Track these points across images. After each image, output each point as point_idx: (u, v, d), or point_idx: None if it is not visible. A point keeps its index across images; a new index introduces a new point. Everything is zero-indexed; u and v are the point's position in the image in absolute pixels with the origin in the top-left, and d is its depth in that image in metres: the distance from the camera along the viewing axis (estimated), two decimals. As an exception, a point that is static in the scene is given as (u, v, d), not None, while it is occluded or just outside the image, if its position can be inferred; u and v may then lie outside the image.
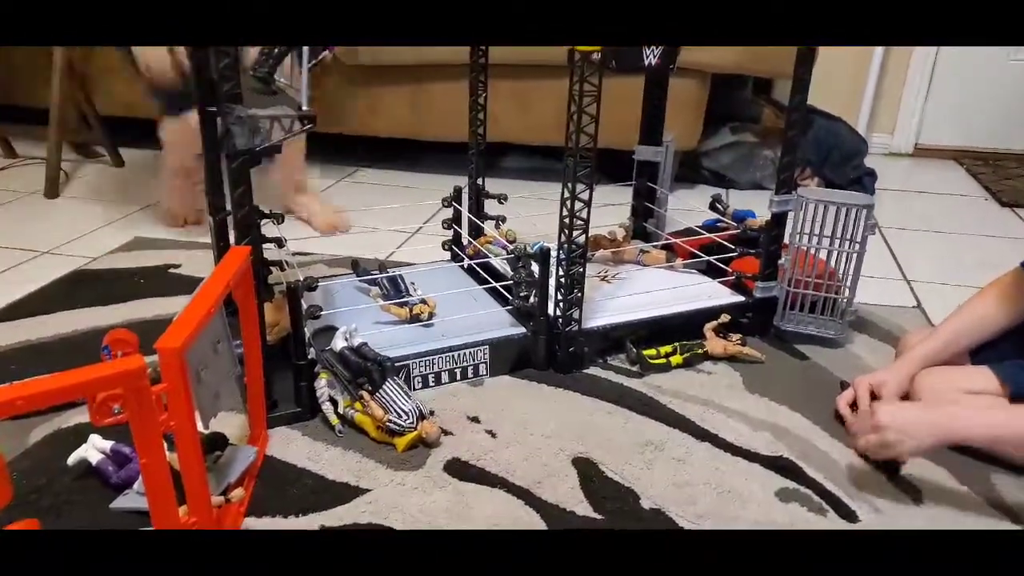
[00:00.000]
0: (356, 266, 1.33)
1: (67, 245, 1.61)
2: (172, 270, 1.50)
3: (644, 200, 1.56)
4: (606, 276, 1.40)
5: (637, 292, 1.31)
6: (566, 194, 1.09)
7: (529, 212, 1.49)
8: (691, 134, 2.04)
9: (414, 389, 1.11)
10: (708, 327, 1.24)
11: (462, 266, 1.41)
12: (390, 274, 1.26)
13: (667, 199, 1.56)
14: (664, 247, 1.47)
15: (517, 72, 1.96)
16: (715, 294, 1.33)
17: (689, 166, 2.19)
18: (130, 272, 1.49)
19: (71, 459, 0.94)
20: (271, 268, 1.34)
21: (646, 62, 1.18)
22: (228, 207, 1.10)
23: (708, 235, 1.42)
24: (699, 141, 2.11)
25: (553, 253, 1.15)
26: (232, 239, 1.01)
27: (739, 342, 1.23)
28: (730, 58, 1.93)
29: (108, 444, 0.94)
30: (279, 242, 1.32)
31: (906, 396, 1.07)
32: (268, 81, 1.03)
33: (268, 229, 1.33)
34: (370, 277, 1.27)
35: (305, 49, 0.96)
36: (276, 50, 1.03)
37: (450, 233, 1.48)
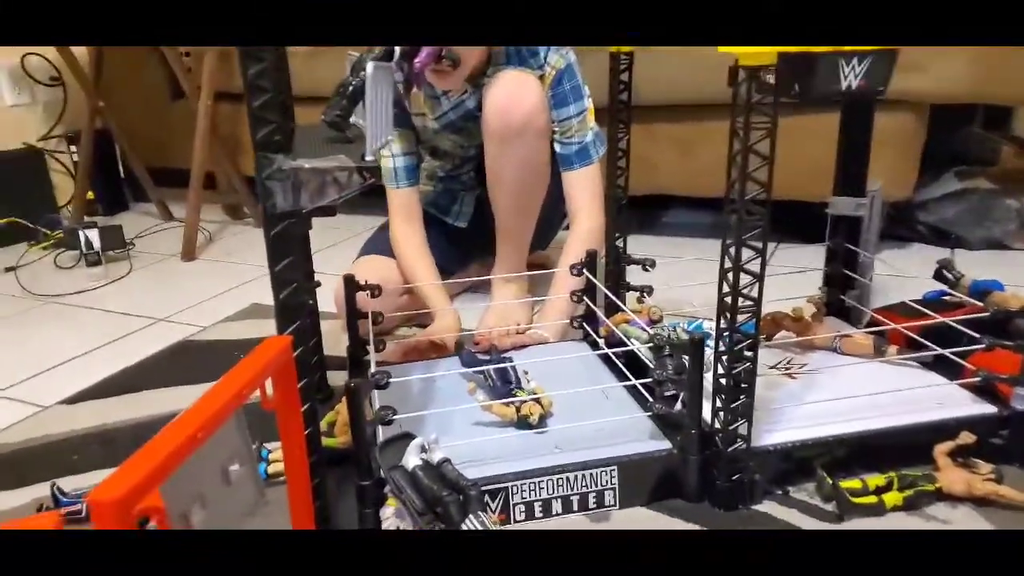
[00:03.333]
0: (460, 348, 1.08)
1: (184, 312, 1.53)
2: (278, 342, 1.35)
3: (842, 266, 1.20)
4: (790, 369, 1.06)
5: (833, 397, 0.95)
6: (727, 264, 0.79)
7: (690, 281, 1.17)
8: (904, 181, 1.65)
9: (515, 521, 0.84)
10: (941, 451, 0.88)
11: (599, 353, 1.13)
12: (499, 361, 1.01)
13: (872, 264, 1.20)
14: (872, 331, 1.10)
15: (678, 114, 1.69)
16: (950, 401, 0.95)
17: (901, 221, 1.79)
18: (233, 344, 1.36)
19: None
20: (367, 348, 1.15)
21: (843, 85, 0.86)
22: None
23: (935, 316, 1.04)
24: (914, 190, 1.71)
25: (711, 340, 0.85)
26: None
27: (990, 476, 0.85)
28: (959, 83, 1.53)
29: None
30: (375, 319, 1.12)
31: None
32: (342, 127, 0.82)
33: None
34: (478, 369, 1.02)
35: (371, 84, 0.75)
36: (350, 88, 0.82)
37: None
